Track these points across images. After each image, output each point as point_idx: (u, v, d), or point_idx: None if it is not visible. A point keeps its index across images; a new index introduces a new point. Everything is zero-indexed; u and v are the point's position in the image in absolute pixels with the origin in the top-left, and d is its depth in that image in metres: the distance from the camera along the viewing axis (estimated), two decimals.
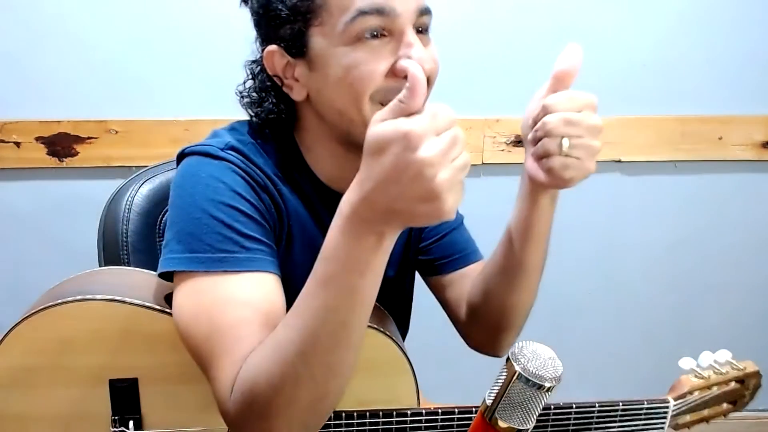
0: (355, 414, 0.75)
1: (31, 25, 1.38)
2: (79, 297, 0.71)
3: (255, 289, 0.67)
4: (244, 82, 0.80)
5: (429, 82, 0.69)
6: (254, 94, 0.79)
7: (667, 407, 0.83)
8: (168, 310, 0.71)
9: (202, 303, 0.66)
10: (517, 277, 0.80)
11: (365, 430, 0.76)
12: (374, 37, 0.67)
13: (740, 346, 0.93)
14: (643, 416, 0.82)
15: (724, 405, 0.90)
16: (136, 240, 0.95)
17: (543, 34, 1.50)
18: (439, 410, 0.77)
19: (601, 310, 1.76)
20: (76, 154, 1.44)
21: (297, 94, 0.74)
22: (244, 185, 0.72)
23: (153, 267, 0.73)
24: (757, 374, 0.89)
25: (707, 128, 1.62)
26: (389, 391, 0.78)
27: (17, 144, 1.43)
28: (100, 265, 0.96)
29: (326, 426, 0.75)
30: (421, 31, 0.71)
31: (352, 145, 0.72)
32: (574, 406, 0.79)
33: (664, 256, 1.74)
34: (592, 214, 1.66)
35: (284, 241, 0.78)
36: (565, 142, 0.64)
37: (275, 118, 0.77)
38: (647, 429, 0.82)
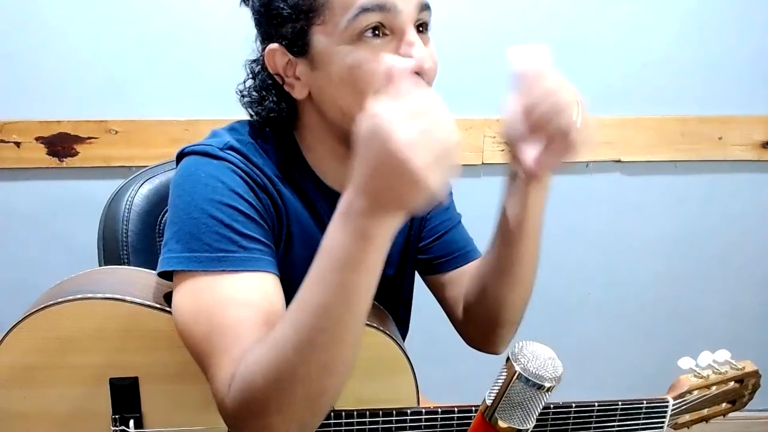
0: (355, 413, 0.75)
1: (31, 25, 1.38)
2: (79, 296, 0.72)
3: (253, 289, 0.67)
4: (245, 81, 0.80)
5: (428, 81, 0.70)
6: (254, 93, 0.79)
7: (666, 406, 0.83)
8: (168, 309, 0.71)
9: (200, 303, 0.66)
10: (511, 273, 0.80)
11: (365, 429, 0.76)
12: (376, 36, 0.67)
13: (739, 345, 0.93)
14: (642, 415, 0.82)
15: (723, 405, 0.90)
16: (136, 240, 0.95)
17: (543, 34, 1.50)
18: (439, 409, 0.77)
19: (600, 309, 1.76)
20: (76, 154, 1.44)
21: (298, 93, 0.74)
22: (243, 185, 0.72)
23: (153, 267, 0.73)
24: (756, 374, 0.89)
25: (707, 128, 1.62)
26: (389, 391, 0.78)
27: (17, 144, 1.42)
28: (100, 265, 0.96)
29: (326, 425, 0.75)
30: (422, 30, 0.71)
31: (353, 144, 0.72)
32: (573, 405, 0.79)
33: (664, 256, 1.74)
34: (592, 214, 1.66)
35: (284, 241, 0.78)
36: (575, 112, 0.64)
37: (276, 117, 0.77)
38: (646, 428, 0.82)
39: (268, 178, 0.76)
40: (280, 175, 0.77)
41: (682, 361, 0.86)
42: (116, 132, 1.44)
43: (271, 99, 0.77)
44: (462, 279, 0.92)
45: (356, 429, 0.76)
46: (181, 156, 0.76)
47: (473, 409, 0.77)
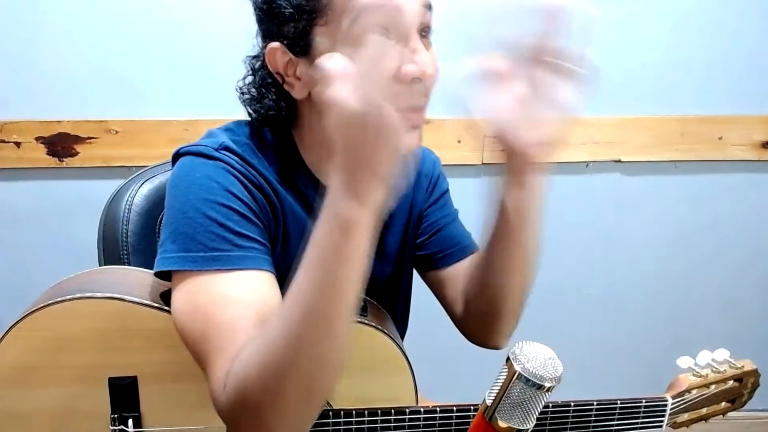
0: (354, 412, 0.75)
1: (31, 25, 1.38)
2: (78, 295, 0.72)
3: (249, 287, 0.67)
4: (244, 78, 0.80)
5: (428, 87, 0.70)
6: (254, 90, 0.79)
7: (665, 405, 0.83)
8: (167, 309, 0.71)
9: (197, 302, 0.66)
10: (513, 262, 0.79)
11: (363, 428, 0.76)
12: None
13: (738, 344, 0.93)
14: (641, 414, 0.82)
15: (723, 404, 0.90)
16: (136, 240, 0.95)
17: None
18: (438, 409, 0.78)
19: (600, 309, 1.76)
20: (76, 154, 1.44)
21: (298, 93, 0.74)
22: (238, 185, 0.72)
23: (153, 266, 0.73)
24: (755, 373, 0.89)
25: (707, 128, 1.62)
26: (388, 390, 0.79)
27: (17, 144, 1.43)
28: (100, 265, 0.96)
29: (324, 424, 0.75)
30: (424, 35, 0.71)
31: None
32: (572, 404, 0.79)
33: (664, 256, 1.74)
34: (592, 214, 1.66)
35: (281, 240, 0.78)
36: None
37: (275, 116, 0.77)
38: (645, 427, 0.82)
39: (264, 178, 0.76)
40: (277, 175, 0.77)
41: (681, 360, 0.86)
42: (116, 132, 1.44)
43: (270, 97, 0.77)
44: (461, 274, 0.91)
45: (355, 428, 0.76)
46: (176, 156, 0.76)
47: (472, 408, 0.77)
